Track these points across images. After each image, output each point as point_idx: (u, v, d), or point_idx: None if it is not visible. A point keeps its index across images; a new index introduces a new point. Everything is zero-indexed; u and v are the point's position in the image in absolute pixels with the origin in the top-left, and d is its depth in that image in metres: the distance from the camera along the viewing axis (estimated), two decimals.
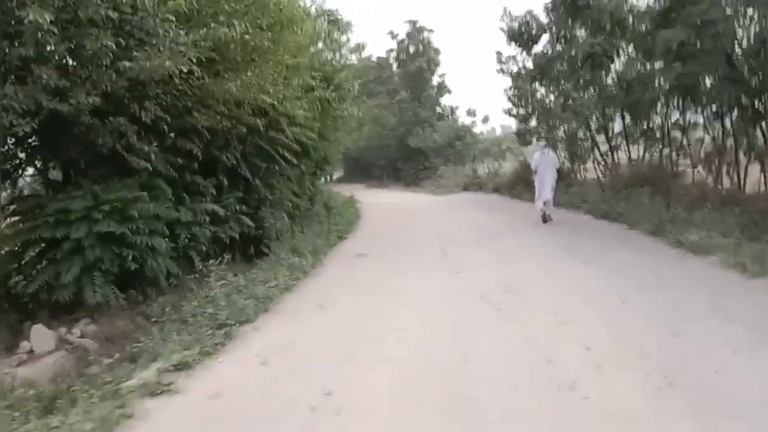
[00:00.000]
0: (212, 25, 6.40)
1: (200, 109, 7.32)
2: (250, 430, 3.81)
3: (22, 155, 7.02)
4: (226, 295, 6.75)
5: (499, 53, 20.16)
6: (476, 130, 32.23)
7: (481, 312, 6.20)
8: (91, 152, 6.72)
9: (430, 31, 35.04)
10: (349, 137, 21.27)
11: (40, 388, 4.73)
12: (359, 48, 17.03)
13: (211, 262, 7.56)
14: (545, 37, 17.48)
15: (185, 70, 5.97)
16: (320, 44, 13.79)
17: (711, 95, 11.04)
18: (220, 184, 9.05)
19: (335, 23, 14.72)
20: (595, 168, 16.90)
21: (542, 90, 19.52)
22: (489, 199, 20.64)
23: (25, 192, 7.57)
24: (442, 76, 35.74)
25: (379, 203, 21.84)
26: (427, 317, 6.15)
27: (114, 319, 6.50)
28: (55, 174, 7.52)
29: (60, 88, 5.50)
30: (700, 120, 13.02)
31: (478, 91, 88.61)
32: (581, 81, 15.44)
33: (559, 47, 16.27)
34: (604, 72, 14.65)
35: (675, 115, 13.81)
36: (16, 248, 6.62)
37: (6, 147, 6.54)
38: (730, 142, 11.69)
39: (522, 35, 17.75)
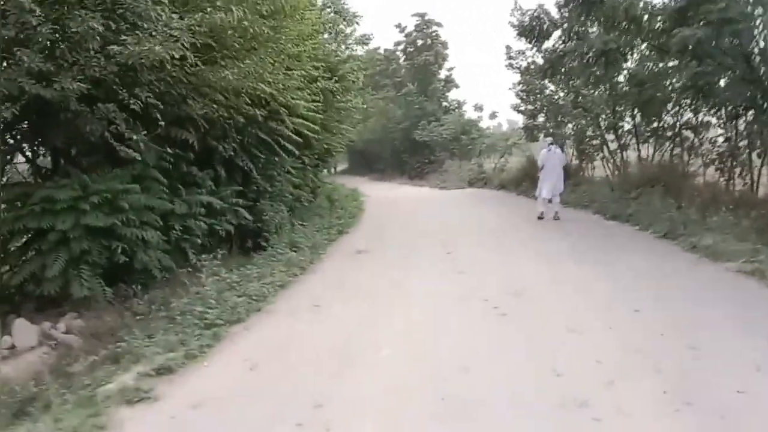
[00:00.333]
0: (208, 9, 6.10)
1: (196, 98, 7.00)
2: None
3: (11, 141, 6.74)
4: (217, 292, 6.44)
5: (508, 48, 19.76)
6: (483, 125, 31.86)
7: (484, 317, 5.88)
8: (82, 140, 6.44)
9: (439, 24, 34.69)
10: (353, 129, 20.97)
11: (16, 388, 4.44)
12: (365, 39, 16.70)
13: (203, 256, 7.28)
14: (556, 34, 17.14)
15: (177, 56, 5.66)
16: (325, 35, 13.49)
17: (726, 95, 10.74)
18: (218, 176, 8.78)
19: (341, 14, 14.42)
20: (604, 166, 16.58)
21: (551, 86, 19.21)
22: (494, 196, 20.31)
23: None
24: (450, 70, 35.45)
25: (383, 197, 21.53)
26: (427, 322, 5.82)
27: (102, 313, 6.22)
28: (47, 162, 7.28)
29: (45, 72, 5.21)
30: (713, 120, 12.73)
31: (486, 87, 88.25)
32: (592, 78, 15.13)
33: (570, 43, 15.91)
34: (615, 70, 14.35)
35: (687, 115, 13.51)
36: (2, 237, 6.35)
37: None
38: (743, 143, 11.36)
39: (533, 30, 17.36)
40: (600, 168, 17.17)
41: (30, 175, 7.20)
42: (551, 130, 19.31)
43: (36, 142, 6.88)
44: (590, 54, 13.91)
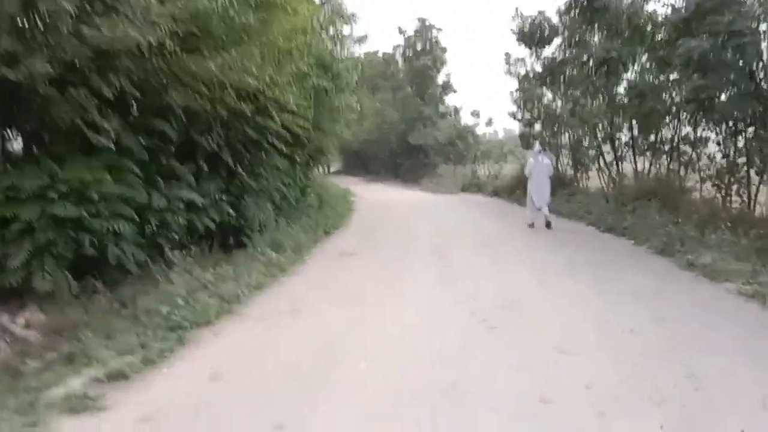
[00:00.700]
0: None
1: (177, 88, 6.64)
2: None
3: None
4: (188, 292, 6.07)
5: (507, 54, 19.61)
6: (479, 131, 31.61)
7: (472, 332, 5.50)
8: (54, 127, 6.09)
9: (439, 29, 34.56)
10: (348, 129, 20.63)
11: None
12: (362, 40, 16.36)
13: (175, 252, 6.93)
14: (556, 42, 16.95)
15: (154, 42, 5.30)
16: (321, 32, 13.15)
17: (727, 110, 10.50)
18: (200, 170, 8.42)
19: (338, 12, 14.08)
20: (599, 177, 16.32)
21: (549, 95, 19.02)
22: (488, 203, 20.00)
23: None
24: (448, 75, 35.26)
25: (375, 199, 21.20)
26: (411, 335, 5.44)
27: (66, 308, 5.87)
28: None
29: (11, 53, 4.85)
30: (712, 135, 12.48)
31: (483, 95, 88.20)
32: (591, 88, 14.91)
33: (571, 51, 15.70)
34: (616, 80, 14.12)
35: (686, 129, 13.26)
36: None
37: None
38: (741, 159, 11.11)
39: (533, 36, 17.18)
40: (595, 179, 16.89)
41: None
42: (547, 139, 19.11)
43: (5, 127, 6.51)
44: (591, 62, 13.72)
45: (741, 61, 9.76)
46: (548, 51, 17.55)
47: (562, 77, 16.78)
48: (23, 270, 5.72)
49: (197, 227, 8.04)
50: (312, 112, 10.92)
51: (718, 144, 12.12)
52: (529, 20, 17.38)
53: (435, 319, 5.95)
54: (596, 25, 14.44)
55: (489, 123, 35.51)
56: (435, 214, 16.38)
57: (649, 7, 13.27)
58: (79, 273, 6.19)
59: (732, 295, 6.65)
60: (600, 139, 16.06)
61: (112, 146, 5.99)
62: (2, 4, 4.60)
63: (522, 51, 18.48)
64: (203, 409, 3.84)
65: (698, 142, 12.82)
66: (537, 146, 13.80)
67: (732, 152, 11.38)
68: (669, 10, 11.89)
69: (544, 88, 18.65)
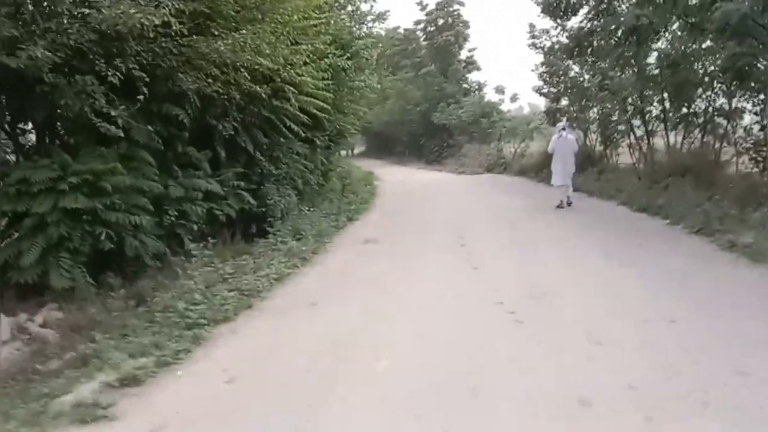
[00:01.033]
0: None
1: (188, 71, 6.40)
2: None
3: None
4: (206, 286, 5.88)
5: (532, 26, 18.88)
6: (504, 108, 30.87)
7: (498, 325, 5.18)
8: (63, 116, 5.92)
9: (461, 3, 33.66)
10: (370, 111, 20.29)
11: None
12: (381, 16, 15.95)
13: (193, 245, 6.75)
14: (582, 11, 16.26)
15: (158, 22, 5.04)
16: (341, 12, 12.82)
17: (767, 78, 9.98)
18: (218, 157, 8.23)
19: None
20: (630, 153, 15.77)
21: (576, 68, 18.35)
22: (514, 182, 19.53)
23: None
24: (471, 51, 34.51)
25: (399, 181, 20.86)
26: (434, 330, 5.11)
27: (85, 304, 5.73)
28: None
29: (12, 38, 4.65)
30: (748, 106, 11.90)
31: (507, 71, 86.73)
32: (620, 59, 14.32)
33: (598, 20, 15.05)
34: (646, 50, 13.51)
35: (720, 100, 12.68)
36: None
37: None
38: None
39: (558, 6, 16.49)
40: (625, 155, 16.34)
41: (12, 153, 6.72)
42: (574, 114, 18.53)
43: (19, 121, 6.37)
44: (620, 31, 13.11)
45: None
46: (574, 21, 16.86)
47: (589, 49, 16.10)
48: (38, 266, 5.61)
49: (217, 216, 7.88)
50: (331, 93, 10.62)
51: (756, 114, 11.59)
52: None
53: (461, 310, 5.68)
54: None
55: (514, 99, 34.60)
56: (460, 198, 16.00)
57: None
58: (97, 268, 6.06)
59: None
60: (630, 112, 15.46)
61: (122, 134, 5.78)
62: None
63: (546, 22, 17.77)
64: (216, 416, 3.62)
65: (733, 114, 12.23)
66: (561, 123, 13.38)
67: None
68: None
69: (571, 61, 18.00)
